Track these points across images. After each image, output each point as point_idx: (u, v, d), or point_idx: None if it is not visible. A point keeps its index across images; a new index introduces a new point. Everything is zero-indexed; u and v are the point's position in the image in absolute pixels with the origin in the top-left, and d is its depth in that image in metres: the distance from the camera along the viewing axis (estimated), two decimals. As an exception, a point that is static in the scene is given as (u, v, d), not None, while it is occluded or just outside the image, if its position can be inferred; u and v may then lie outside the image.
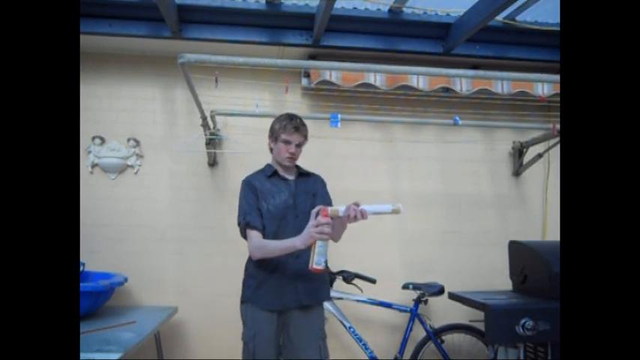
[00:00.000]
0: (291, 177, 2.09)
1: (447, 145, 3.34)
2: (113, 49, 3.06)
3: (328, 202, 2.10)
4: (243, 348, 1.96)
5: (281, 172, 2.08)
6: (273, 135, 2.06)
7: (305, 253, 1.81)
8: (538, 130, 3.15)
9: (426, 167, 3.32)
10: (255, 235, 1.93)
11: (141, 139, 3.08)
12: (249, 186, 2.02)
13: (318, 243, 1.72)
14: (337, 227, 1.94)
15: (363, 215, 1.77)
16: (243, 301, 2.02)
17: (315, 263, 1.72)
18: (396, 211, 1.79)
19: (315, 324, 2.02)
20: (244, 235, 1.99)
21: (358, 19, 2.87)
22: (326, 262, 1.75)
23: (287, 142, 2.01)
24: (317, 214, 1.75)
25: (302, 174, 2.13)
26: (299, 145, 2.04)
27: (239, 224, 1.99)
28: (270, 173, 2.06)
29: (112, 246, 2.99)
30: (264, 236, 1.94)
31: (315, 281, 1.98)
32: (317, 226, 1.71)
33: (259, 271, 1.97)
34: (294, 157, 2.04)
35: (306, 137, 2.07)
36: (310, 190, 2.08)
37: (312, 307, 2.00)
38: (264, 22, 2.86)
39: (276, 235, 1.93)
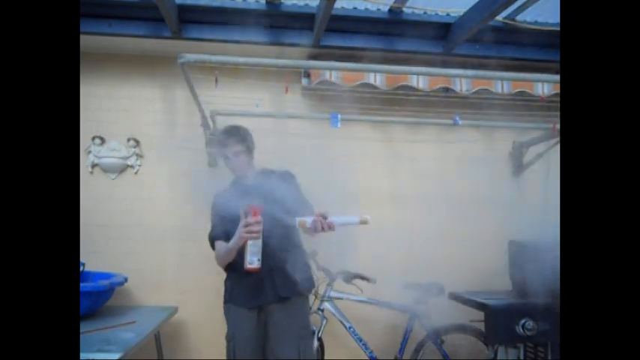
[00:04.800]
0: (250, 181, 2.12)
1: (447, 145, 3.34)
2: (113, 49, 3.06)
3: (295, 196, 2.08)
4: (226, 347, 2.00)
5: (241, 178, 2.13)
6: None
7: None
8: (538, 130, 3.15)
9: (426, 167, 3.32)
10: (218, 244, 2.00)
11: (141, 139, 3.08)
12: (216, 199, 2.10)
13: (250, 242, 1.73)
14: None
15: (330, 227, 1.79)
16: (225, 302, 2.07)
17: (248, 263, 1.74)
18: (363, 222, 1.80)
19: (295, 322, 1.99)
20: (213, 248, 2.05)
21: (358, 19, 2.86)
22: (259, 260, 1.76)
23: (226, 157, 2.10)
24: (247, 214, 1.76)
25: (261, 175, 2.14)
26: (237, 155, 2.07)
27: (209, 238, 2.08)
28: (233, 181, 2.14)
29: (112, 246, 2.99)
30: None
31: (292, 273, 1.99)
32: (246, 226, 1.72)
33: (234, 271, 2.01)
34: (239, 167, 2.10)
35: (242, 143, 2.08)
36: (270, 190, 2.07)
37: (291, 301, 1.98)
38: (264, 22, 2.86)
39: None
